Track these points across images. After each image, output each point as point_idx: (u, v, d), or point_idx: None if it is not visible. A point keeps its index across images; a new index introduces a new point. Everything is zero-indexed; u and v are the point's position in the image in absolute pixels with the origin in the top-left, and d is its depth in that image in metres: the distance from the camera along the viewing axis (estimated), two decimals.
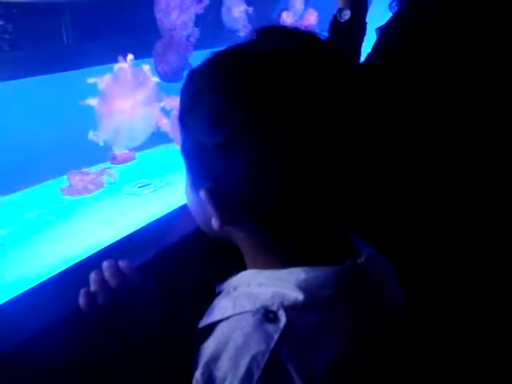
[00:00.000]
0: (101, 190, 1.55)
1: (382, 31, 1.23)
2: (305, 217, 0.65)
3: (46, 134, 1.53)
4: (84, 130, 1.45)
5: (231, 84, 0.62)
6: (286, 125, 0.58)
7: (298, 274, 0.66)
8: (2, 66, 1.48)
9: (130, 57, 1.46)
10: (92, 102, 1.40)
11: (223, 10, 2.09)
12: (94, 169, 1.59)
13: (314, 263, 0.68)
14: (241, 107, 0.60)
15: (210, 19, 1.91)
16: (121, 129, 1.45)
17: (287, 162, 0.59)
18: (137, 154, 1.75)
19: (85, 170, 1.55)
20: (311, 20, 2.81)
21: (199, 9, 1.71)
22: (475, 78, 1.07)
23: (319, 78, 0.60)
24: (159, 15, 1.64)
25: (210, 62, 0.66)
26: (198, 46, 1.88)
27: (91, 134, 1.41)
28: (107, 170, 1.58)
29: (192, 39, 1.74)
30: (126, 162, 1.70)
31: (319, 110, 0.59)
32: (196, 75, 0.67)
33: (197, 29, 1.74)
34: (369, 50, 1.28)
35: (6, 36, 1.44)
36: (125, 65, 1.45)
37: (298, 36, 0.66)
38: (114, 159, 1.66)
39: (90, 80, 1.41)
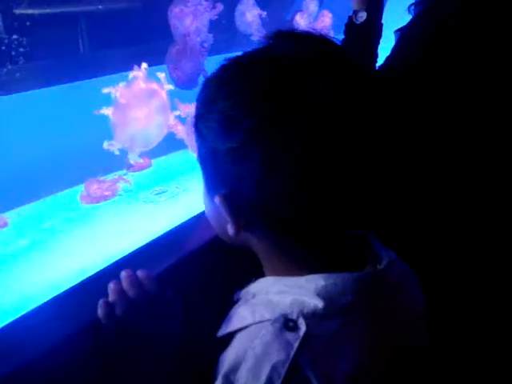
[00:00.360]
0: (118, 197, 1.55)
1: (402, 34, 1.21)
2: (319, 221, 0.65)
3: (62, 143, 1.54)
4: (100, 138, 1.46)
5: (243, 89, 0.62)
6: (297, 129, 0.58)
7: (316, 280, 0.65)
8: (18, 78, 1.50)
9: (144, 65, 1.46)
10: (107, 111, 1.41)
11: (236, 14, 2.09)
12: (110, 177, 1.59)
13: (333, 269, 0.67)
14: (253, 112, 0.59)
15: (224, 24, 1.92)
16: (136, 137, 1.45)
17: (298, 166, 0.59)
18: (153, 161, 1.76)
19: (101, 178, 1.55)
20: (326, 22, 2.80)
21: (213, 14, 1.71)
22: (499, 77, 1.05)
23: (331, 81, 0.59)
24: (173, 21, 1.64)
25: (223, 69, 0.66)
26: (213, 51, 1.88)
27: (106, 144, 1.41)
28: (124, 177, 1.58)
29: (206, 45, 1.74)
30: (143, 170, 1.71)
31: (331, 113, 0.58)
32: (209, 82, 0.67)
33: (211, 34, 1.74)
34: (386, 52, 1.27)
35: (21, 49, 1.45)
36: (139, 73, 1.46)
37: (311, 40, 0.65)
38: (130, 167, 1.66)
39: (105, 90, 1.41)
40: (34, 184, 1.50)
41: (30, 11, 1.71)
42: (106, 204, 1.53)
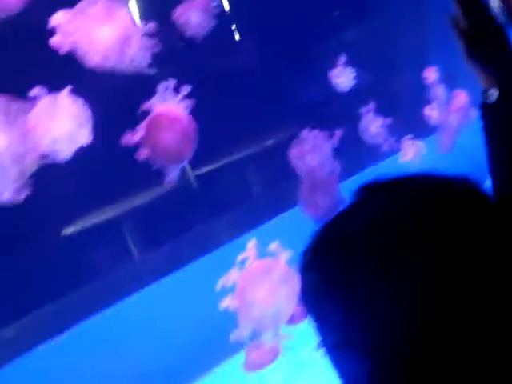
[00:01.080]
0: (280, 357, 1.44)
1: None
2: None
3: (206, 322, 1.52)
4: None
5: (331, 268, 0.51)
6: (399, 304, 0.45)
7: None
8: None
9: (253, 241, 1.34)
10: (228, 301, 1.29)
11: (360, 130, 2.01)
12: (269, 337, 1.49)
13: None
14: (346, 301, 0.48)
15: (350, 145, 1.82)
16: (264, 316, 1.33)
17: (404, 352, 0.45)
18: None
19: (259, 340, 1.46)
20: (461, 101, 2.60)
21: (333, 143, 1.65)
22: None
23: (436, 243, 0.47)
24: (295, 162, 1.60)
25: (314, 240, 0.57)
26: (345, 175, 1.77)
27: (233, 336, 1.29)
28: (283, 335, 1.46)
29: (335, 173, 1.66)
30: (303, 322, 1.59)
31: (439, 285, 0.45)
32: (304, 255, 0.58)
33: (337, 162, 1.66)
34: None
35: None
36: (250, 253, 1.35)
37: (406, 192, 0.53)
38: (290, 320, 1.55)
39: (222, 280, 1.32)
40: (193, 363, 1.47)
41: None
42: (271, 368, 1.43)
